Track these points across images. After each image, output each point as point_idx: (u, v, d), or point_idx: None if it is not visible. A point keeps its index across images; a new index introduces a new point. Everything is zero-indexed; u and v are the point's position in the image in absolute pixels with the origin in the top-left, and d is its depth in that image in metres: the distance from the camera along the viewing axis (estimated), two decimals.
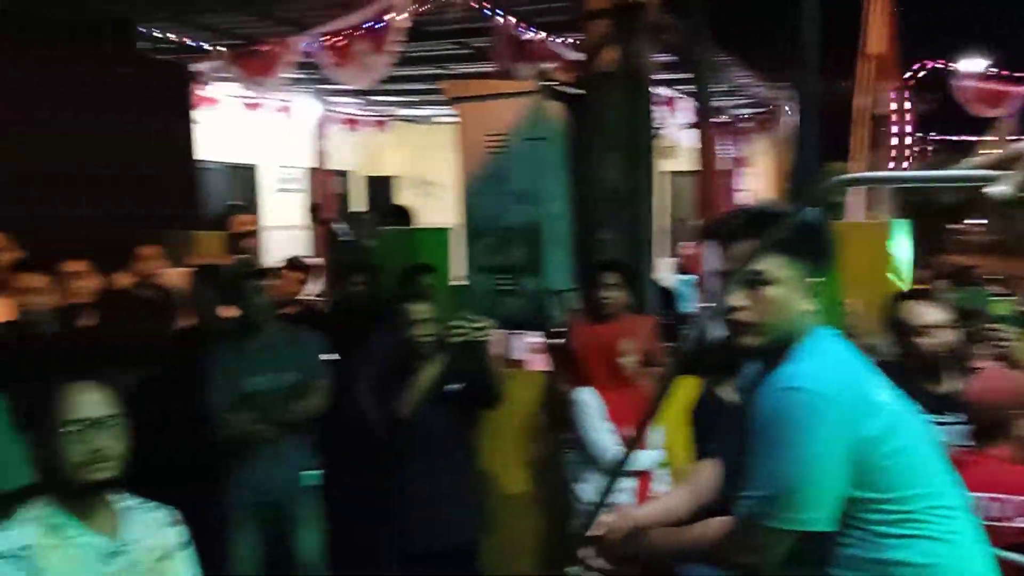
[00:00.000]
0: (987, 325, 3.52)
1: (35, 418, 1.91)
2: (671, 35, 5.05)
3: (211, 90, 9.00)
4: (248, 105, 10.58)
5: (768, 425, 1.60)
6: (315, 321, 4.25)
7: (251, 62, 7.26)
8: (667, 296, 5.52)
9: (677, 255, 8.50)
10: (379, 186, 13.70)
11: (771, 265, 1.67)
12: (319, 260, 7.96)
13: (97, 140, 5.93)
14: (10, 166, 5.43)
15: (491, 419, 3.82)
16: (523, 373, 4.49)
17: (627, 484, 3.56)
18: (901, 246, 4.63)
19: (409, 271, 4.30)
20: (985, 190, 1.11)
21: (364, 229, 6.33)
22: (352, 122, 12.92)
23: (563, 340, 4.24)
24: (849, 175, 1.85)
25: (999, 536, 2.02)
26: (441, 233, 5.03)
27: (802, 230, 1.64)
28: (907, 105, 8.80)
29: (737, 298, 1.69)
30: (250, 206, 9.83)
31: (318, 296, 5.89)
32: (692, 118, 9.19)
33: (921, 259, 5.02)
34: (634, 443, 1.93)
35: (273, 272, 4.35)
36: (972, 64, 11.98)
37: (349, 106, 12.36)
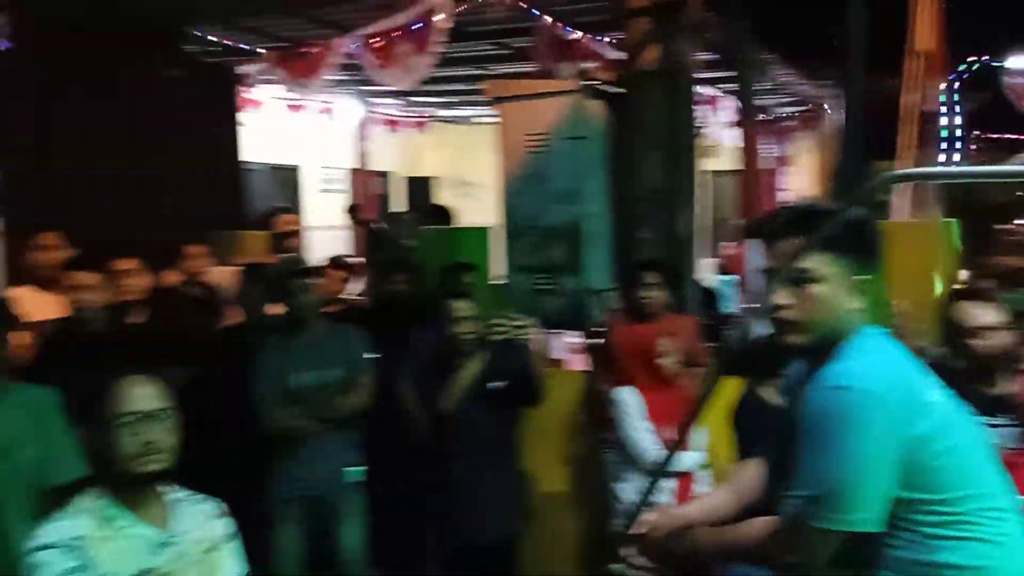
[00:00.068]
0: None
1: (89, 411, 1.95)
2: (713, 33, 5.02)
3: (255, 92, 9.14)
4: (291, 107, 10.71)
5: (815, 424, 1.59)
6: (357, 319, 4.29)
7: (296, 64, 7.35)
8: (709, 296, 5.48)
9: (719, 255, 8.43)
10: (419, 187, 13.78)
11: (817, 263, 1.65)
12: (360, 259, 8.04)
13: (147, 141, 6.06)
14: (63, 167, 5.57)
15: (531, 418, 3.83)
16: (563, 372, 4.49)
17: (668, 485, 3.54)
18: (949, 246, 4.54)
19: (450, 269, 4.33)
20: None
21: (404, 229, 6.38)
22: (393, 123, 13.03)
23: (603, 340, 4.23)
24: (898, 171, 1.83)
25: None
26: (481, 232, 5.05)
27: (848, 227, 1.63)
28: (956, 102, 8.62)
29: (783, 296, 1.68)
30: (292, 206, 9.95)
31: (360, 295, 5.95)
32: (735, 117, 9.10)
33: (969, 260, 4.92)
34: (677, 444, 1.92)
35: (317, 271, 4.39)
36: (1022, 60, 11.70)
37: (390, 107, 12.46)
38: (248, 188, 7.88)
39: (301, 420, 3.51)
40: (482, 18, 6.77)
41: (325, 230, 10.17)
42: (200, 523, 2.05)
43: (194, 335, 3.63)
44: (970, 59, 11.00)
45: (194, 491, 2.10)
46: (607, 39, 7.23)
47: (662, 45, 4.49)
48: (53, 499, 2.25)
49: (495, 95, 4.84)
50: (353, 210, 10.27)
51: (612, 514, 3.78)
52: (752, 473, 2.02)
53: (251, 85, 8.36)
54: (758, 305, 1.86)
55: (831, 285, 1.66)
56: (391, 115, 12.82)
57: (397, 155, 13.30)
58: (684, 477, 3.61)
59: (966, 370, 2.76)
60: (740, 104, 5.80)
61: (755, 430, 2.63)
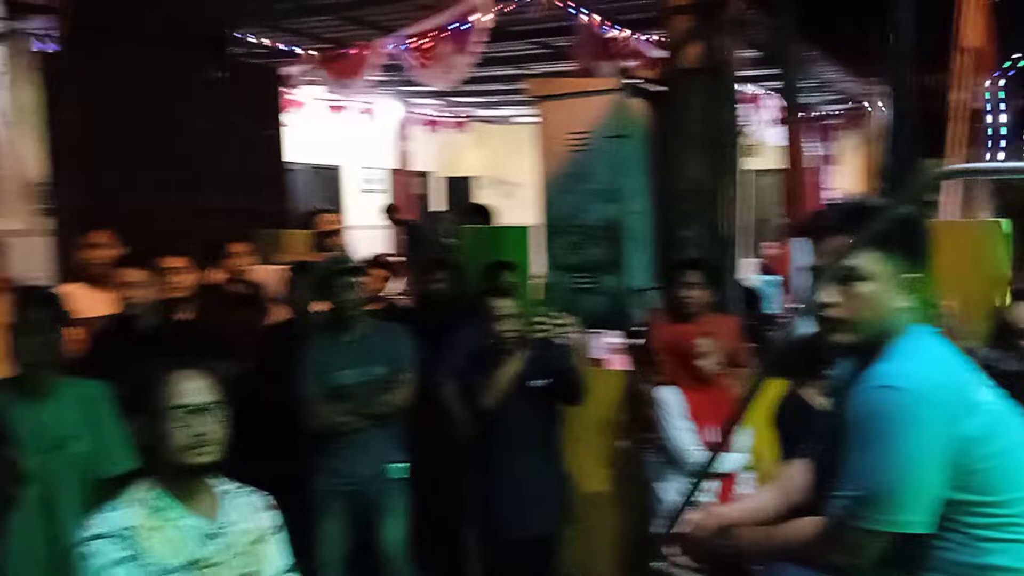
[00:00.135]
0: None
1: (142, 404, 1.99)
2: (756, 30, 4.97)
3: (298, 93, 9.26)
4: (333, 108, 10.84)
5: (863, 424, 1.57)
6: (399, 317, 4.33)
7: (338, 65, 7.44)
8: (751, 296, 5.43)
9: (761, 255, 8.35)
10: (458, 186, 13.85)
11: (865, 260, 1.63)
12: (400, 258, 8.10)
13: (193, 142, 6.17)
14: (114, 168, 5.71)
15: (571, 418, 3.83)
16: (603, 372, 4.48)
17: (710, 486, 3.52)
18: (1000, 245, 4.44)
19: (491, 267, 4.34)
20: None
21: (444, 228, 6.42)
22: (433, 123, 13.11)
23: (643, 339, 4.21)
24: (946, 168, 1.80)
25: None
26: (521, 231, 5.06)
27: (897, 225, 1.60)
28: (1002, 99, 8.43)
29: (830, 294, 1.66)
30: (334, 207, 10.07)
31: (400, 294, 6.00)
32: (779, 115, 9.01)
33: (1020, 260, 4.81)
34: (720, 445, 1.91)
35: (363, 269, 4.44)
36: None
37: (430, 108, 12.53)
38: (291, 188, 7.98)
39: (345, 417, 3.55)
40: (522, 18, 6.78)
41: (366, 229, 10.28)
42: (248, 515, 2.08)
43: (239, 331, 3.68)
44: (1015, 56, 10.74)
45: (242, 483, 2.14)
46: (649, 37, 7.20)
47: (704, 42, 4.46)
48: (105, 490, 2.31)
49: (536, 94, 4.84)
50: (391, 210, 10.36)
51: (653, 514, 3.77)
52: (797, 474, 2.00)
53: (294, 86, 8.47)
54: (803, 304, 1.85)
55: (879, 283, 1.64)
56: (431, 115, 12.89)
57: (437, 155, 13.37)
58: (727, 478, 3.59)
59: (1020, 372, 2.70)
60: (784, 102, 5.74)
61: (798, 431, 2.60)
